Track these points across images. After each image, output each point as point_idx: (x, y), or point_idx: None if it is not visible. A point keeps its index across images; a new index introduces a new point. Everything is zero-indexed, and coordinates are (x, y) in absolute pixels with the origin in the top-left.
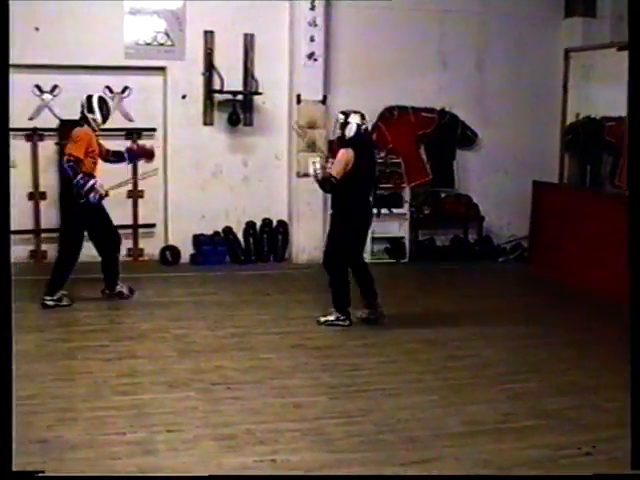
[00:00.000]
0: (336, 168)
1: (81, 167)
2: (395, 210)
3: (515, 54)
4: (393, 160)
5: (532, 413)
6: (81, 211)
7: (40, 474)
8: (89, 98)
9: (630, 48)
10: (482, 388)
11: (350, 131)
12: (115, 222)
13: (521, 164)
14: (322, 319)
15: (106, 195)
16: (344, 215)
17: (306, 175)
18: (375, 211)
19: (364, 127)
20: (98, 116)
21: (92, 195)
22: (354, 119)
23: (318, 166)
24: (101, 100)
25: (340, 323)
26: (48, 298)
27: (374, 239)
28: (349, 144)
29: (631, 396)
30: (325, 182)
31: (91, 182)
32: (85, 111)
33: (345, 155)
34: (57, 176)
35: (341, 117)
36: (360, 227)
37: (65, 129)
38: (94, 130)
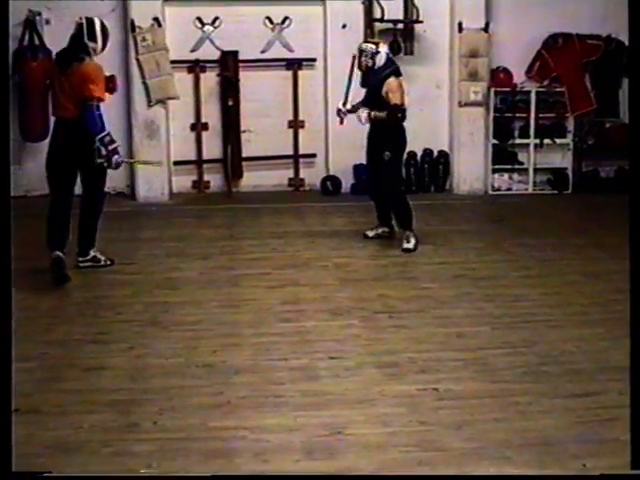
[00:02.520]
0: (397, 96)
1: None
2: (558, 140)
3: None
4: (556, 89)
5: None
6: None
7: (40, 475)
8: (91, 23)
9: (630, 47)
10: None
11: (380, 60)
12: (276, 152)
13: None
14: (406, 246)
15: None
16: (396, 140)
17: (466, 105)
18: (538, 141)
19: (391, 56)
20: (100, 45)
21: (116, 157)
22: (383, 48)
23: (365, 115)
24: (103, 26)
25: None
26: (81, 259)
27: (536, 170)
28: (391, 73)
29: (630, 396)
30: (393, 113)
31: (117, 143)
32: (85, 38)
33: (397, 83)
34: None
35: (371, 47)
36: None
37: (64, 62)
38: None
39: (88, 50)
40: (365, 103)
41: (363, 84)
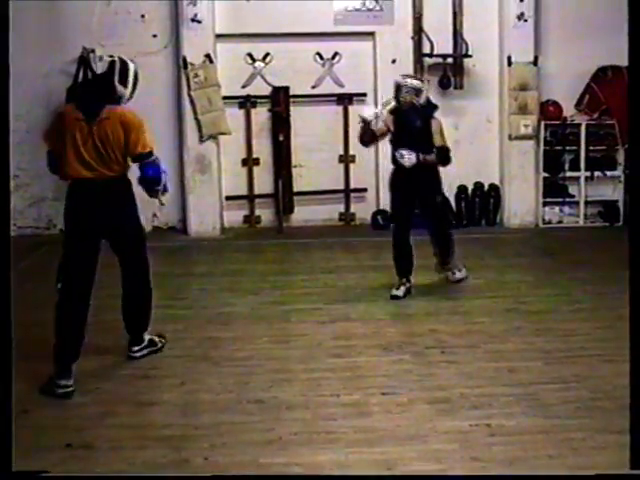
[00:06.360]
0: (445, 138)
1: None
2: (609, 172)
3: None
4: (607, 121)
5: None
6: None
7: (40, 474)
8: (124, 64)
9: (630, 47)
10: None
11: (424, 97)
12: (327, 187)
13: None
14: (458, 276)
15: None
16: (440, 181)
17: (517, 138)
18: (588, 173)
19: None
20: (129, 92)
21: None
22: (426, 87)
23: (413, 157)
24: (137, 72)
25: None
26: (136, 348)
27: (587, 202)
28: (433, 112)
29: (630, 396)
30: (445, 155)
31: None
32: (115, 80)
33: (440, 125)
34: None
35: (417, 83)
36: None
37: (91, 108)
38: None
39: (117, 95)
40: (400, 144)
41: (401, 123)
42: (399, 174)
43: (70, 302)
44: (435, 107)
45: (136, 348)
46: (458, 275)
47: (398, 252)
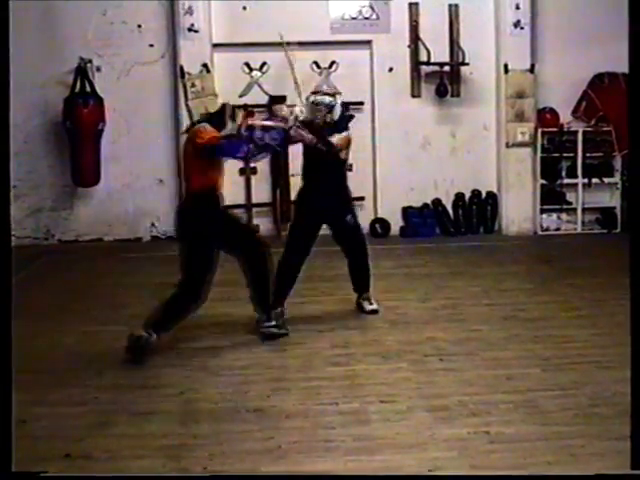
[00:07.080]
0: (339, 142)
1: None
2: (606, 179)
3: None
4: (603, 128)
5: None
6: None
7: (42, 474)
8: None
9: (630, 47)
10: None
11: (337, 112)
12: None
13: None
14: (373, 307)
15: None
16: (349, 196)
17: (514, 145)
18: (586, 180)
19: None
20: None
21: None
22: (339, 99)
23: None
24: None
25: None
26: (266, 324)
27: (585, 209)
28: (346, 128)
29: (631, 396)
30: (332, 146)
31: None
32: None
33: (348, 138)
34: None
35: (329, 99)
36: None
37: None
38: None
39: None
40: (310, 158)
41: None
42: (305, 189)
43: (186, 296)
44: (350, 118)
45: (267, 324)
46: (370, 307)
47: (283, 275)
